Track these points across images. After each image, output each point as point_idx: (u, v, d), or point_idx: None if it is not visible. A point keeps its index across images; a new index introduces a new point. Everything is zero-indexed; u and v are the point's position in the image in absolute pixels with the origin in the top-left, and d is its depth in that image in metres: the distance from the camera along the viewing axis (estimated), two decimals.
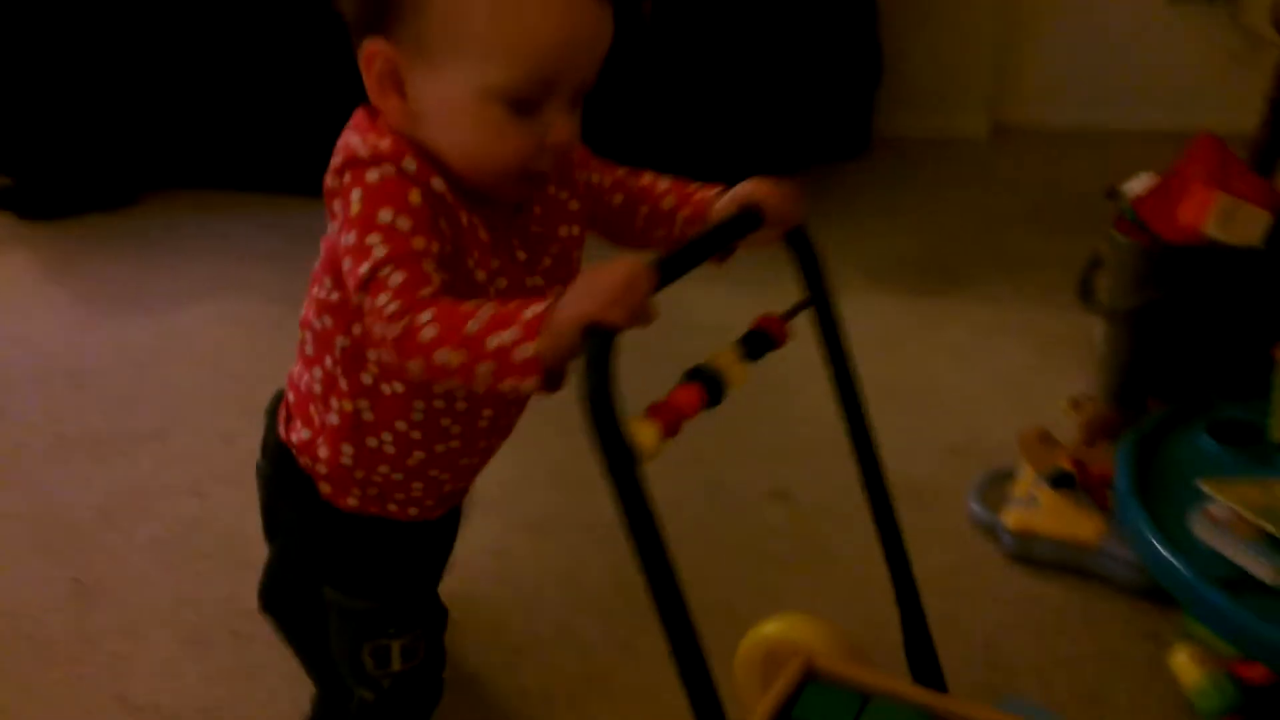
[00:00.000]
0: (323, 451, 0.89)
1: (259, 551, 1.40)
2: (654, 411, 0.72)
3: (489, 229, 0.82)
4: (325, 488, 0.91)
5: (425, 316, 0.71)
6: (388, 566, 0.95)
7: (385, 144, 0.78)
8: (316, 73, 2.65)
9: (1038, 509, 1.36)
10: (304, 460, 0.91)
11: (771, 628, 1.05)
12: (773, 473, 1.55)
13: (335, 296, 0.84)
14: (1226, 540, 1.02)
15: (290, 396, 0.93)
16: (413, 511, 0.94)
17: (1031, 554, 1.35)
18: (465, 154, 0.79)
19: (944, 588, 1.32)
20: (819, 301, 0.89)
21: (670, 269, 0.73)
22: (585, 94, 0.81)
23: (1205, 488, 1.07)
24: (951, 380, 1.79)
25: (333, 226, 0.80)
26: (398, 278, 0.73)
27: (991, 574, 1.34)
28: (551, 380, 0.70)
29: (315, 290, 0.87)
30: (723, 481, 1.53)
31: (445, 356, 0.71)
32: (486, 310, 0.71)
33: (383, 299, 0.73)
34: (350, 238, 0.75)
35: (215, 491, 1.58)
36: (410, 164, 0.78)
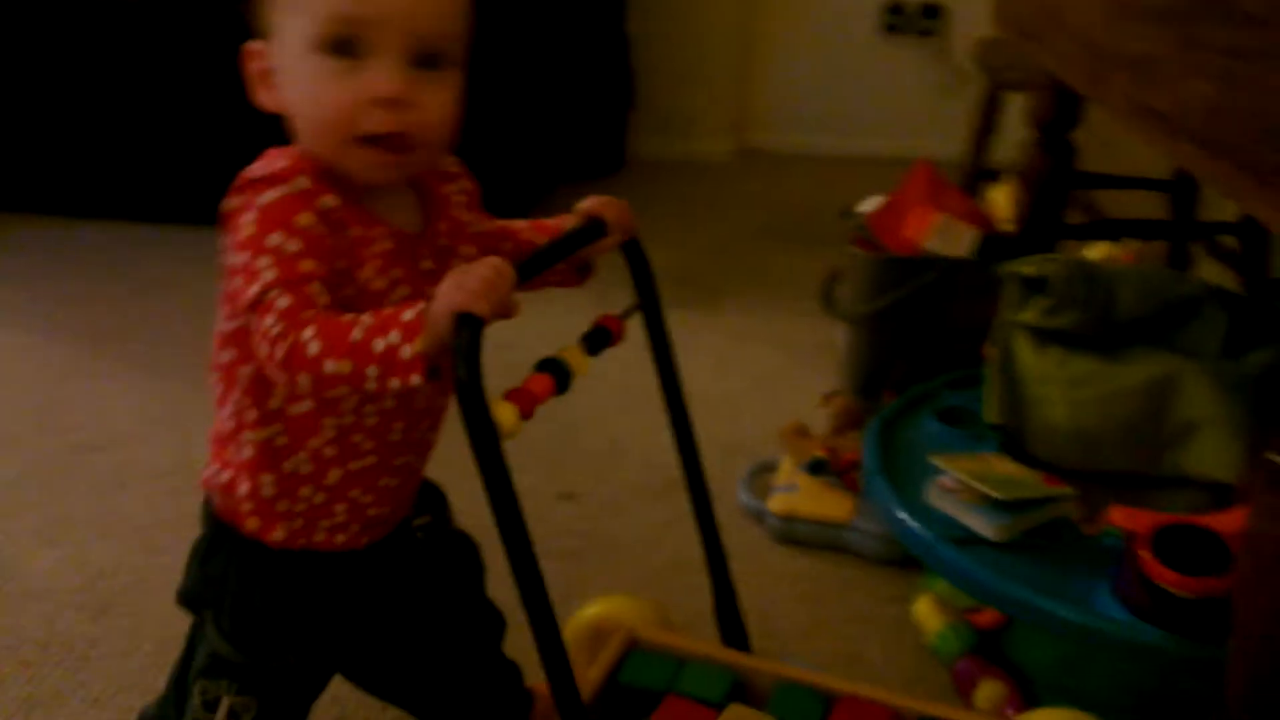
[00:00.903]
0: (243, 488, 0.89)
1: (38, 581, 1.39)
2: (512, 396, 0.81)
3: (392, 241, 0.85)
4: (252, 523, 0.90)
5: (308, 333, 0.76)
6: (300, 616, 0.92)
7: (281, 164, 0.82)
8: (47, 87, 2.55)
9: (797, 494, 1.52)
10: (225, 503, 0.91)
11: (595, 609, 1.15)
12: (558, 476, 1.65)
13: (232, 326, 0.85)
14: (955, 505, 1.20)
15: (212, 444, 0.93)
16: (340, 539, 0.92)
17: (794, 534, 1.51)
18: (305, 123, 0.83)
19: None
20: (649, 304, 1.00)
21: (528, 268, 0.83)
22: (441, 61, 0.83)
23: (936, 462, 1.24)
24: (714, 384, 1.95)
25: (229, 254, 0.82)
26: (284, 301, 0.77)
27: (760, 554, 1.48)
28: (433, 373, 0.76)
29: (218, 326, 0.88)
30: (514, 486, 1.61)
31: (333, 366, 0.76)
32: (366, 319, 0.76)
33: (268, 320, 0.77)
34: (241, 259, 0.79)
35: None
36: (303, 181, 0.81)
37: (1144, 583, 1.03)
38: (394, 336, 0.75)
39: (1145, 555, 1.03)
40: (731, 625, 1.10)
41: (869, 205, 1.85)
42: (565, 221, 0.97)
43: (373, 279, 0.84)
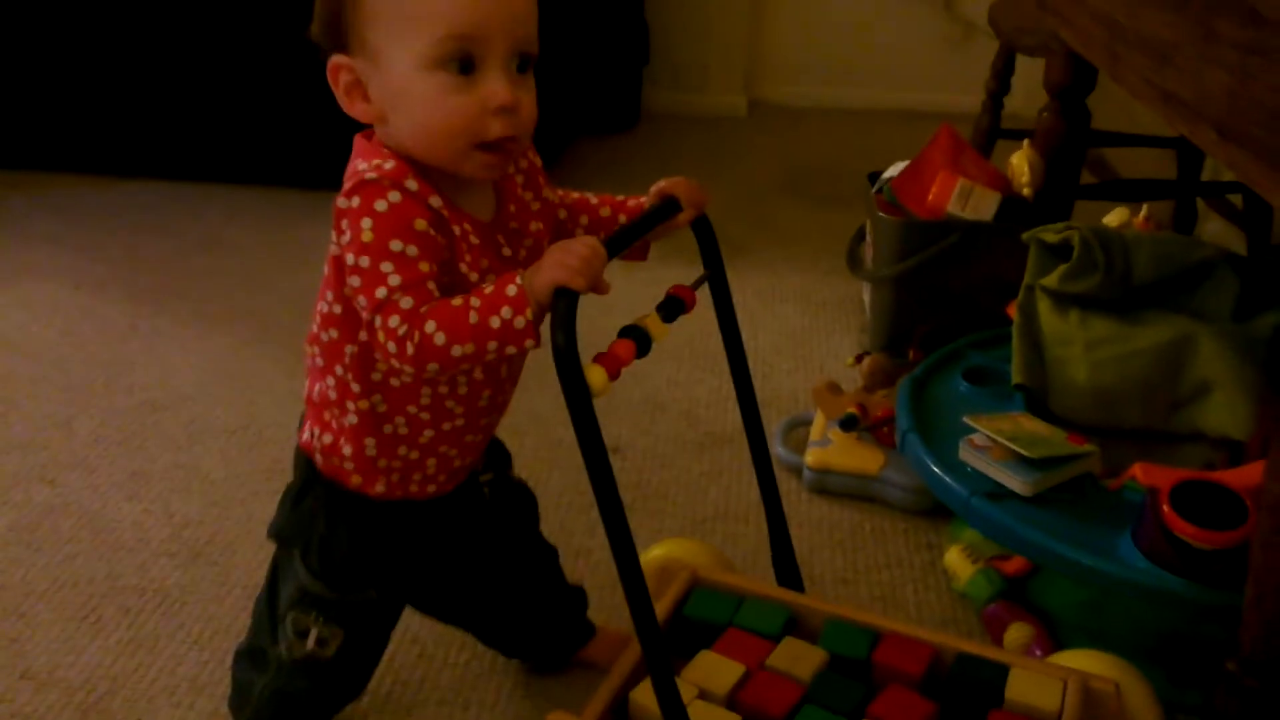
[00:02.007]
0: (347, 450, 0.99)
1: (127, 533, 1.49)
2: (600, 359, 0.90)
3: (477, 233, 0.94)
4: (356, 479, 1.00)
5: (431, 326, 0.85)
6: (385, 556, 1.04)
7: (389, 165, 0.89)
8: (92, 45, 2.60)
9: (831, 448, 1.62)
10: (331, 463, 1.01)
11: (661, 550, 1.26)
12: (605, 432, 1.74)
13: (338, 310, 0.94)
14: (987, 462, 1.30)
15: (305, 410, 1.03)
16: (431, 489, 1.03)
17: (827, 486, 1.61)
18: (420, 134, 0.89)
19: (760, 517, 1.53)
20: (716, 275, 1.09)
21: (616, 245, 0.93)
22: (530, 61, 0.92)
23: (969, 421, 1.34)
24: (745, 342, 2.01)
25: (337, 244, 0.90)
26: (407, 302, 0.86)
27: (797, 505, 1.58)
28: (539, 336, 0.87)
29: (319, 306, 0.97)
30: (561, 440, 1.71)
31: (460, 350, 0.86)
32: (474, 300, 0.86)
33: (394, 321, 0.86)
34: (365, 261, 0.87)
35: (64, 478, 1.61)
36: (412, 183, 0.88)
37: (1165, 535, 1.13)
38: (506, 311, 0.85)
39: (1166, 509, 1.13)
40: (787, 567, 1.20)
41: (893, 170, 1.93)
42: (636, 201, 1.07)
43: (468, 272, 0.92)
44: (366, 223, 0.87)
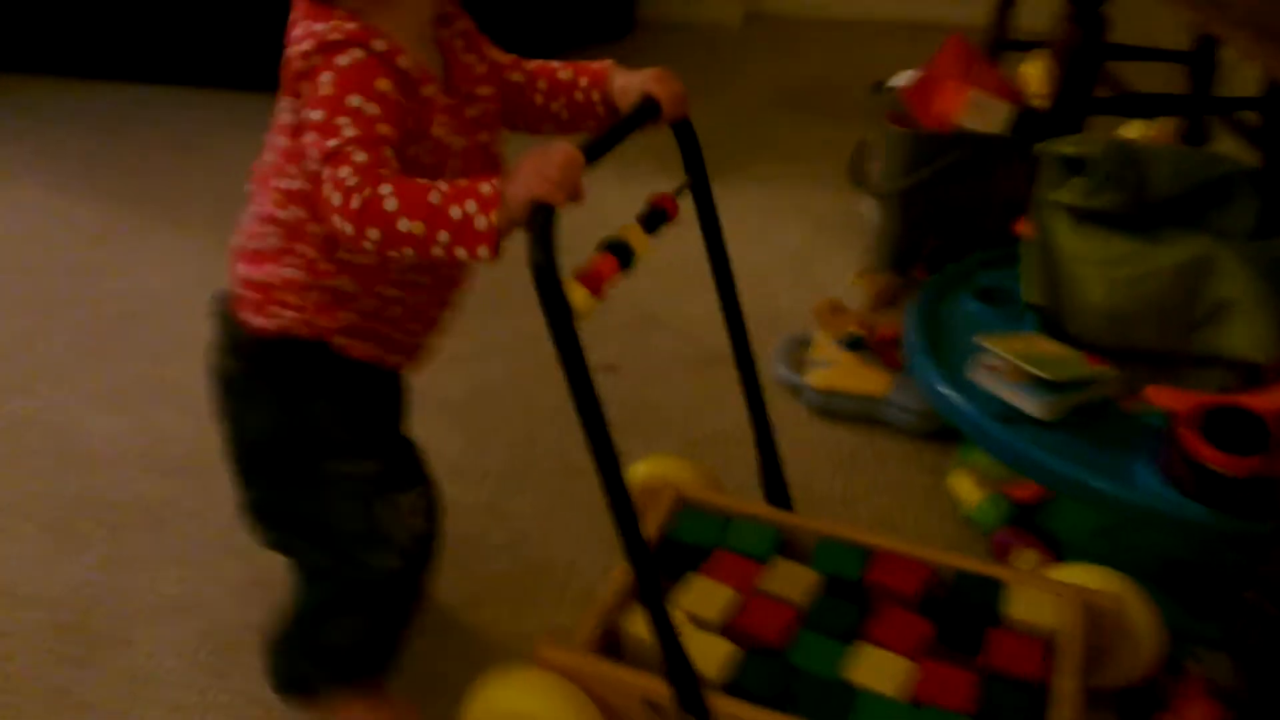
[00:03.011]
0: (324, 320, 0.93)
1: (105, 447, 1.43)
2: (582, 277, 0.84)
3: (444, 93, 0.89)
4: (340, 340, 0.94)
5: (385, 189, 0.79)
6: (385, 418, 1.02)
7: (352, 26, 0.83)
8: None
9: (835, 369, 1.57)
10: (307, 331, 0.93)
11: (644, 467, 1.21)
12: (597, 349, 1.68)
13: (300, 185, 0.88)
14: (1001, 384, 1.25)
15: (253, 294, 0.94)
16: (400, 360, 1.00)
17: (832, 408, 1.56)
18: None
19: None
20: (698, 183, 1.03)
21: (595, 151, 0.86)
22: None
23: (983, 342, 1.29)
24: (744, 258, 1.95)
25: (293, 111, 0.85)
26: (361, 156, 0.80)
27: (799, 426, 1.54)
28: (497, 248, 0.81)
29: (276, 183, 0.90)
30: (554, 359, 1.65)
31: (407, 225, 0.79)
32: (442, 185, 0.80)
33: (344, 171, 0.79)
34: (318, 114, 0.81)
35: (38, 390, 1.55)
36: (379, 44, 0.83)
37: (1187, 461, 1.09)
38: (470, 206, 0.79)
39: (1189, 435, 1.09)
40: (775, 486, 1.16)
41: (901, 80, 1.86)
42: (610, 69, 1.00)
43: (445, 136, 0.88)
44: (326, 76, 0.83)
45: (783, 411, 1.57)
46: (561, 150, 0.81)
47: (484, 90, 0.96)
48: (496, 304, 1.40)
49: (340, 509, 0.99)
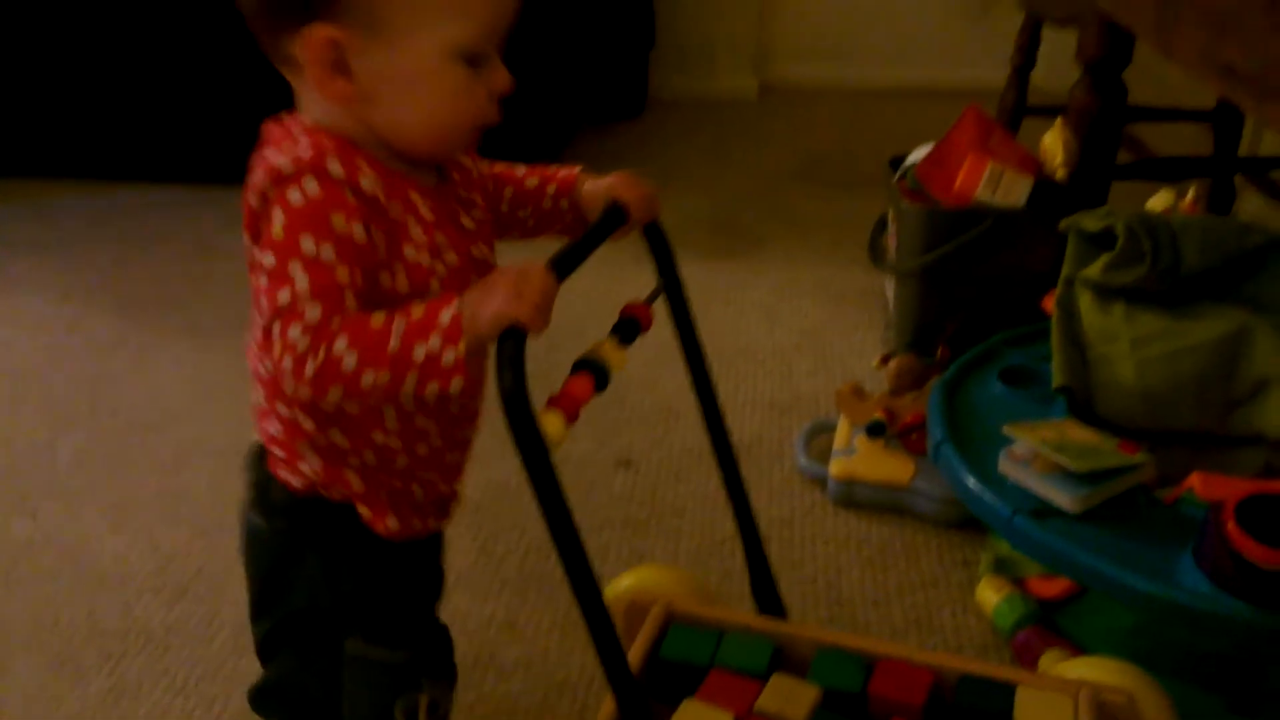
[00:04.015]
0: (337, 484, 0.87)
1: (110, 568, 1.40)
2: (555, 402, 0.79)
3: (429, 203, 0.83)
4: (365, 510, 0.88)
5: (340, 344, 0.73)
6: (421, 599, 0.95)
7: (304, 149, 0.77)
8: (75, 47, 2.51)
9: (856, 457, 1.52)
10: (337, 493, 0.87)
11: (629, 580, 1.14)
12: (613, 442, 1.65)
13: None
14: (1030, 475, 1.19)
15: (275, 449, 0.88)
16: (431, 524, 0.93)
17: (854, 498, 1.50)
18: (428, 121, 0.81)
19: (782, 535, 1.47)
20: (671, 287, 0.99)
21: (565, 268, 0.80)
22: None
23: (1009, 431, 1.23)
24: (764, 340, 1.93)
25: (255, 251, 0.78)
26: (314, 312, 0.73)
27: (823, 519, 1.48)
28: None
29: (254, 332, 0.83)
30: (569, 455, 1.61)
31: (371, 378, 0.73)
32: (398, 322, 0.74)
33: (294, 331, 0.73)
34: (270, 259, 0.75)
35: (45, 508, 1.52)
36: (335, 167, 0.77)
37: (1230, 555, 1.03)
38: (434, 342, 0.73)
39: (1232, 528, 1.03)
40: (767, 594, 1.10)
41: (917, 155, 1.82)
42: (579, 175, 0.95)
43: (417, 256, 0.81)
44: (277, 214, 0.75)
45: (808, 503, 1.52)
46: (538, 272, 0.76)
47: (480, 197, 0.91)
48: None
49: (356, 698, 0.93)
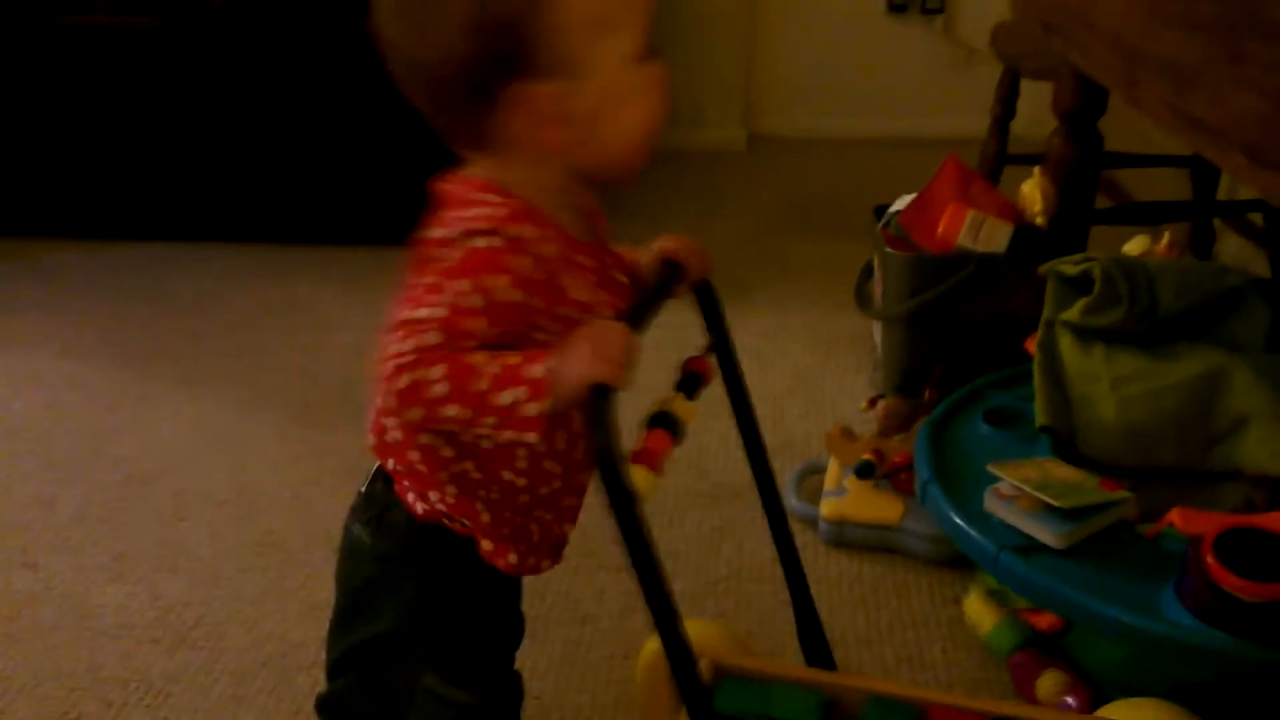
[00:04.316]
0: (466, 516, 0.89)
1: (111, 617, 1.42)
2: (639, 457, 0.83)
3: (593, 264, 0.86)
4: (486, 545, 0.90)
5: (436, 373, 0.75)
6: (504, 645, 0.97)
7: (503, 213, 0.80)
8: (72, 107, 2.55)
9: (846, 497, 1.54)
10: (461, 525, 0.89)
11: None
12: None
13: None
14: (1015, 513, 1.22)
15: (405, 480, 0.91)
16: (545, 565, 0.95)
17: (845, 538, 1.53)
18: (641, 129, 0.82)
19: (776, 575, 1.45)
20: (722, 343, 1.03)
21: (635, 322, 0.85)
22: None
23: (994, 471, 1.26)
24: (754, 385, 1.94)
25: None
26: (434, 337, 0.76)
27: (814, 559, 1.51)
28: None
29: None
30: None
31: (453, 411, 0.76)
32: (492, 366, 0.76)
33: (409, 344, 0.76)
34: (429, 279, 0.78)
35: (46, 561, 1.54)
36: (527, 229, 0.80)
37: (1210, 587, 1.05)
38: (521, 393, 0.76)
39: (1211, 560, 1.05)
40: (815, 644, 1.13)
41: (900, 204, 1.87)
42: (631, 253, 0.97)
43: (576, 314, 0.83)
44: (458, 253, 0.79)
45: (800, 544, 1.49)
46: (619, 330, 0.79)
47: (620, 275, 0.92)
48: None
49: None
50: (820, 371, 2.00)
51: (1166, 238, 1.64)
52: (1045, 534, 1.18)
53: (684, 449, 1.74)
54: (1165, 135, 1.30)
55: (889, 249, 1.78)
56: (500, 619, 0.98)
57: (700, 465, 1.73)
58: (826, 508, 1.54)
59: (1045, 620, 1.28)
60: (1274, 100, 0.96)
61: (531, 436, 0.77)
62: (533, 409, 0.76)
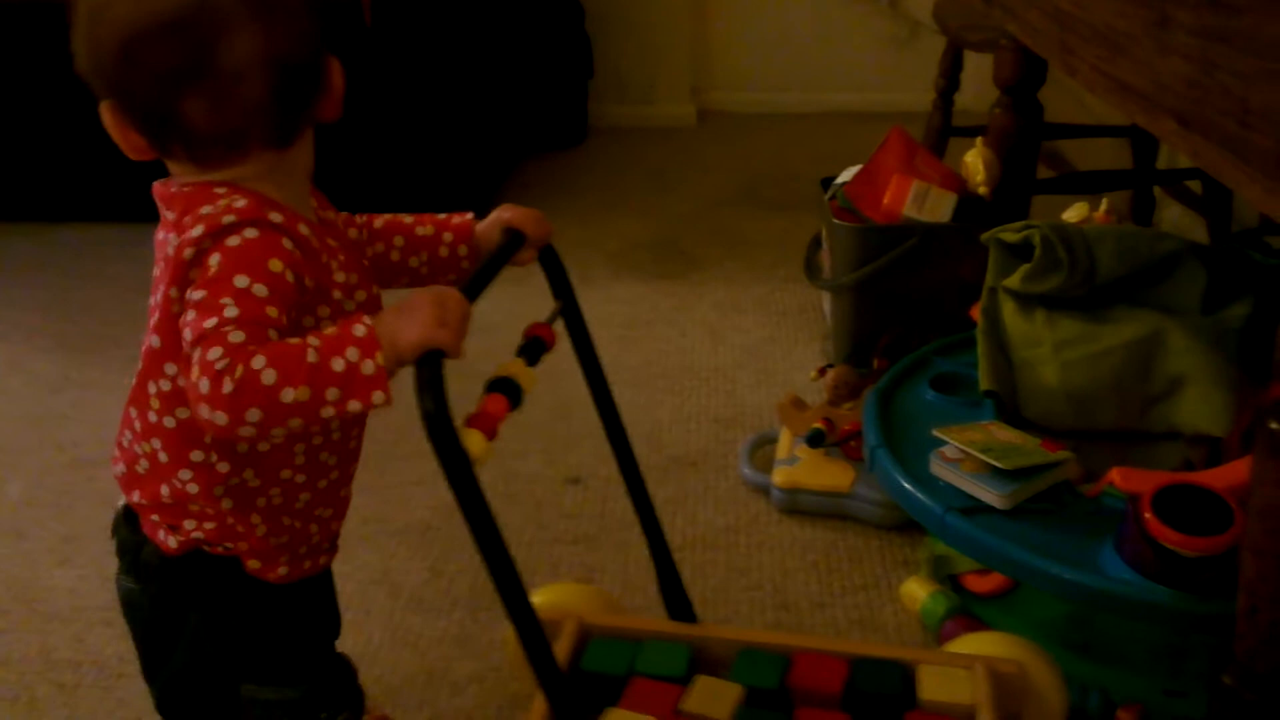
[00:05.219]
0: (240, 529, 0.88)
1: (62, 601, 1.40)
2: (474, 421, 0.82)
3: (341, 245, 0.88)
4: (254, 564, 0.89)
5: (259, 361, 0.73)
6: (313, 636, 0.97)
7: (241, 203, 0.79)
8: (68, 91, 2.50)
9: (799, 465, 1.56)
10: (220, 548, 0.89)
11: (537, 599, 1.15)
12: (560, 460, 1.68)
13: (183, 381, 0.81)
14: (959, 475, 1.24)
15: (152, 515, 0.90)
16: (323, 561, 0.95)
17: (798, 505, 1.55)
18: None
19: (729, 543, 1.50)
20: (569, 307, 1.03)
21: (474, 292, 0.85)
22: None
23: (939, 434, 1.28)
24: (707, 358, 1.98)
25: (179, 301, 0.79)
26: (237, 336, 0.73)
27: (768, 527, 1.53)
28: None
29: (155, 387, 0.85)
30: (519, 473, 1.64)
31: (291, 394, 0.72)
32: (313, 340, 0.74)
33: (214, 353, 0.73)
34: (200, 294, 0.76)
35: None
36: (275, 215, 0.80)
37: (1149, 543, 1.08)
38: (352, 354, 0.74)
39: (1149, 517, 1.08)
40: (676, 599, 1.13)
41: (846, 175, 1.88)
42: (473, 220, 0.99)
43: (341, 297, 0.85)
44: (214, 258, 0.77)
45: (754, 512, 1.56)
46: (456, 298, 0.79)
47: (377, 247, 0.96)
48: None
49: None
50: (771, 343, 2.02)
51: (1105, 204, 1.67)
52: (989, 495, 1.20)
53: (637, 421, 1.76)
54: (1103, 105, 1.32)
55: (836, 220, 1.80)
56: (296, 618, 0.95)
57: (654, 438, 1.74)
58: (779, 476, 1.56)
59: (990, 583, 1.31)
60: (1201, 65, 0.98)
61: (379, 396, 0.75)
62: (369, 366, 0.74)
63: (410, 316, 0.77)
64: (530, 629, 0.85)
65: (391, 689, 1.27)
